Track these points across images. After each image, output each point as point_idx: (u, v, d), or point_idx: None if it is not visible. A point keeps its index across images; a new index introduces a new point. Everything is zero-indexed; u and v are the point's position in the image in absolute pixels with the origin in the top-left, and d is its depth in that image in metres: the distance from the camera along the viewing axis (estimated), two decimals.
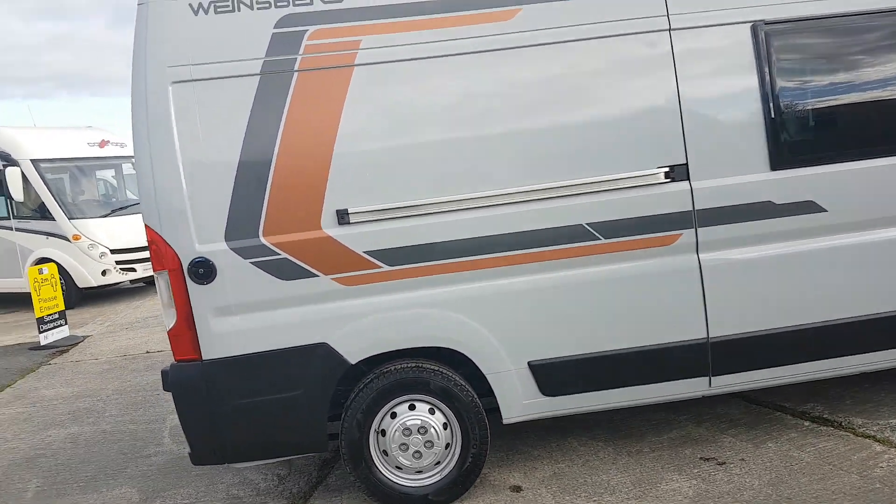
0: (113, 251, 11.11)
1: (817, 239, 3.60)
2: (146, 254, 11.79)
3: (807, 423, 4.10)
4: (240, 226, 3.43)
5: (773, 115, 3.51)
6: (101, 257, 10.97)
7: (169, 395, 5.69)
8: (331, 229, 3.45)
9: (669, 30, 3.50)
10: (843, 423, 4.03)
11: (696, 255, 3.57)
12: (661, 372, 3.66)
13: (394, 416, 3.58)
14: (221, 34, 3.38)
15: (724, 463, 3.75)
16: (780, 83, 3.51)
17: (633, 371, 3.65)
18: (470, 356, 3.56)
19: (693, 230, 3.54)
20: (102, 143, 12.05)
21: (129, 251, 11.28)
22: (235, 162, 3.40)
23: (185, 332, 3.46)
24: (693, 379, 3.69)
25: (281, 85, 3.40)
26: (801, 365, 3.70)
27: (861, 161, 3.56)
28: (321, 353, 3.49)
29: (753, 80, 3.52)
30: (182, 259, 3.41)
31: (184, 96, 3.37)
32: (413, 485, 3.64)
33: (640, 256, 3.55)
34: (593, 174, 3.48)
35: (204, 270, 3.41)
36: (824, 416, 4.16)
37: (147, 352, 7.82)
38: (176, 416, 5.35)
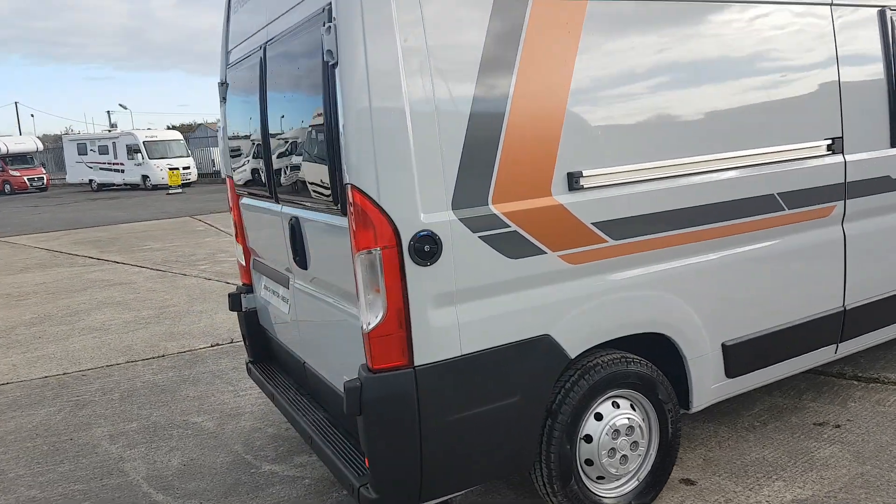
0: None
1: None
2: None
3: (856, 383, 4.51)
4: (469, 190, 2.64)
5: (894, 95, 3.79)
6: None
7: (92, 438, 4.38)
8: (561, 196, 2.83)
9: (831, 4, 3.56)
10: (882, 380, 4.53)
11: (841, 227, 3.70)
12: (808, 343, 3.72)
13: (599, 417, 3.08)
14: None
15: (839, 426, 3.94)
16: None
17: (791, 344, 3.64)
18: (677, 341, 3.21)
19: (843, 202, 3.66)
20: None
21: None
22: (468, 105, 2.61)
23: (395, 330, 2.55)
24: (827, 347, 3.81)
25: (517, 7, 2.69)
26: None
27: None
28: (543, 348, 2.85)
29: (882, 61, 3.76)
30: (402, 233, 2.51)
31: (407, 5, 2.48)
32: (616, 494, 3.17)
33: (807, 227, 3.56)
34: (780, 144, 3.40)
35: (430, 248, 2.55)
36: (859, 375, 4.62)
37: None
38: (134, 462, 4.05)
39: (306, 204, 3.09)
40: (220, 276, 9.85)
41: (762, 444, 3.80)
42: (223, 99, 4.12)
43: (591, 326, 2.97)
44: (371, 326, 2.55)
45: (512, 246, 2.73)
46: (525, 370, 2.82)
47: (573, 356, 2.93)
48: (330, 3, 2.52)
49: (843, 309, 3.77)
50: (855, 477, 3.40)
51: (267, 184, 3.53)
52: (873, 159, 3.75)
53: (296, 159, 3.10)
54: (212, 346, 6.52)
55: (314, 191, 2.93)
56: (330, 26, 2.45)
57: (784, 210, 3.44)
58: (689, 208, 3.15)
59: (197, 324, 7.37)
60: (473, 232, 2.64)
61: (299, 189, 3.09)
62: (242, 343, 4.63)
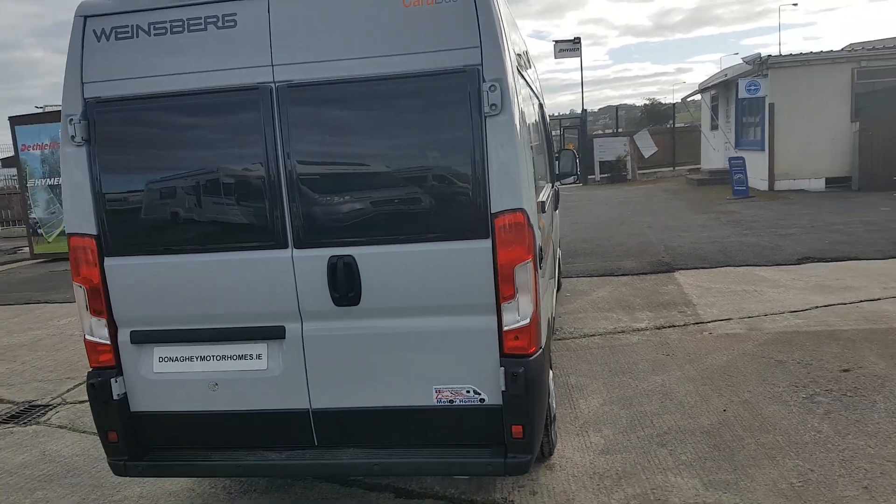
0: None
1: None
2: None
3: None
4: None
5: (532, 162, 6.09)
6: None
7: None
8: None
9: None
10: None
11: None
12: None
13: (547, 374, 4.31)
14: None
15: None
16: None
17: None
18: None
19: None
20: None
21: None
22: (529, 144, 3.73)
23: (536, 321, 3.36)
24: None
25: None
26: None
27: None
28: (551, 323, 4.00)
29: (545, 139, 5.99)
30: (536, 245, 3.35)
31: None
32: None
33: None
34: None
35: (542, 255, 3.48)
36: None
37: None
38: None
39: (385, 238, 3.31)
40: None
41: None
42: (85, 140, 3.45)
43: (551, 308, 4.23)
44: (527, 321, 3.27)
45: None
46: (548, 341, 3.90)
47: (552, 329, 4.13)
48: (476, 66, 3.10)
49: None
50: (612, 386, 5.47)
51: (273, 230, 3.38)
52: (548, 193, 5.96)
53: (379, 198, 3.30)
54: None
55: (433, 222, 3.29)
56: (494, 85, 3.09)
57: None
58: None
59: None
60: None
61: (375, 225, 3.30)
62: (103, 443, 3.72)
